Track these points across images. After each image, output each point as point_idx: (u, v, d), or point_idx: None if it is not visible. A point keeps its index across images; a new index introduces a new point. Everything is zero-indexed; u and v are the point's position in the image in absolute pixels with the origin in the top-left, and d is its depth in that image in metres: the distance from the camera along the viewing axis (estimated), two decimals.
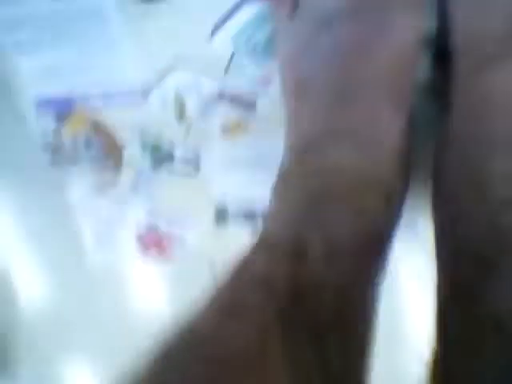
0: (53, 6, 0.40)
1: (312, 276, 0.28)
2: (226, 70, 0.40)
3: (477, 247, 0.28)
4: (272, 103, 0.40)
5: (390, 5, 0.31)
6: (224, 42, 0.38)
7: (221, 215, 0.50)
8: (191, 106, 0.43)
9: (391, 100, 0.32)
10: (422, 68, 0.35)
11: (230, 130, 0.43)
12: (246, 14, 0.37)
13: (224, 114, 0.42)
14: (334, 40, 0.32)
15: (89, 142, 0.48)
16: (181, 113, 0.43)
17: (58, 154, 0.50)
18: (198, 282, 0.56)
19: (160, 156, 0.47)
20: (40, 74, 0.44)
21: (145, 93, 0.43)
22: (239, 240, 0.50)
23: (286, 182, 0.34)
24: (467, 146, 0.31)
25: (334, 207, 0.31)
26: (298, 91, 0.34)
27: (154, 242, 0.55)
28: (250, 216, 0.49)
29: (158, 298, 0.63)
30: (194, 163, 0.46)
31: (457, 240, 0.30)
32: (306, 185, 0.32)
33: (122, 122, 0.45)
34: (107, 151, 0.48)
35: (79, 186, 0.52)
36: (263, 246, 0.30)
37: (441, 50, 0.34)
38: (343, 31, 0.31)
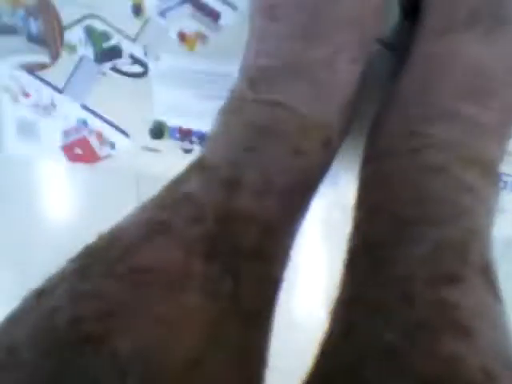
0: None
1: (242, 206, 0.27)
2: None
3: (397, 208, 0.29)
4: (238, 19, 0.38)
5: None
6: None
7: (158, 129, 0.47)
8: (152, 1, 0.39)
9: (352, 48, 0.31)
10: (389, 22, 0.35)
11: (187, 38, 0.40)
12: None
13: (185, 19, 0.39)
14: None
15: (29, 16, 0.44)
16: (138, 5, 0.40)
17: None
18: (122, 197, 0.55)
19: (106, 47, 0.43)
20: None
21: None
22: (172, 158, 0.48)
23: (233, 107, 0.33)
24: (410, 106, 0.31)
25: (275, 143, 0.30)
26: (267, 12, 0.32)
27: (80, 141, 0.51)
28: (187, 135, 0.47)
29: (75, 207, 0.61)
30: (143, 65, 0.43)
31: (379, 196, 0.30)
32: (253, 115, 0.31)
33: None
34: (48, 30, 0.44)
35: (10, 60, 0.47)
36: (200, 167, 0.30)
37: (412, 4, 0.34)
38: None
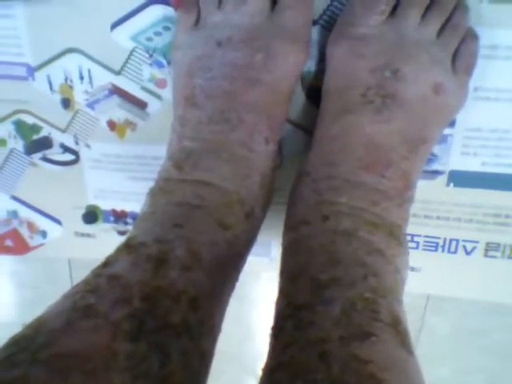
0: None
1: (169, 282, 0.28)
2: (124, 66, 0.40)
3: (313, 272, 0.30)
4: (163, 107, 0.41)
5: (279, 37, 0.34)
6: (124, 37, 0.38)
7: (91, 213, 0.48)
8: (81, 94, 0.41)
9: (267, 127, 0.35)
10: (297, 101, 0.39)
11: (117, 126, 0.42)
12: (151, 14, 0.37)
13: (114, 109, 0.42)
14: (227, 61, 0.34)
15: None
16: (67, 99, 0.42)
17: None
18: (55, 286, 0.53)
19: (36, 139, 0.44)
20: None
21: (32, 69, 0.41)
22: (107, 242, 0.49)
23: (160, 187, 0.35)
24: (319, 179, 0.34)
25: (201, 219, 0.32)
26: (188, 101, 0.35)
27: (10, 233, 0.51)
28: (122, 217, 0.48)
29: (7, 302, 0.58)
30: (74, 153, 0.44)
31: (298, 262, 0.32)
32: (179, 194, 0.34)
33: (1, 95, 0.42)
34: None
35: None
36: (127, 246, 0.31)
37: (314, 89, 0.38)
38: (236, 54, 0.34)
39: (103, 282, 0.28)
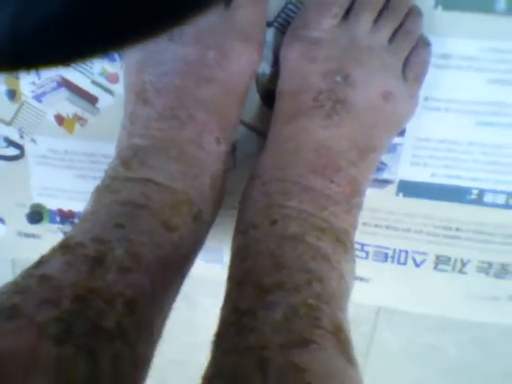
0: None
1: (105, 284, 0.27)
2: None
3: (258, 277, 0.30)
4: (115, 103, 0.40)
5: (232, 36, 0.33)
6: None
7: (36, 213, 0.46)
8: (27, 86, 0.40)
9: (219, 127, 0.34)
10: (251, 103, 0.38)
11: (66, 121, 0.41)
12: None
13: (63, 103, 0.40)
14: (179, 57, 0.33)
15: None
16: (13, 90, 0.40)
17: None
18: None
19: None
20: None
21: None
22: (52, 243, 0.47)
23: (105, 185, 0.34)
24: (269, 182, 0.34)
25: (145, 219, 0.31)
26: (138, 97, 0.34)
27: None
28: (69, 217, 0.46)
29: None
30: (18, 147, 0.43)
31: (245, 267, 0.32)
32: (124, 192, 0.32)
33: None
34: None
35: None
36: (62, 246, 0.29)
37: (268, 92, 0.38)
38: (188, 51, 0.33)
39: (33, 282, 0.26)
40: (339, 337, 0.26)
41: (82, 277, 0.27)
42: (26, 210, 0.46)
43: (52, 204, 0.45)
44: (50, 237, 0.47)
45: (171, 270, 0.32)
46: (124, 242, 0.29)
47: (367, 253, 0.43)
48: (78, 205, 0.45)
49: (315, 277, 0.29)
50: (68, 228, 0.47)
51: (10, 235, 0.47)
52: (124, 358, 0.26)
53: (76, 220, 0.46)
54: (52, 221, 0.46)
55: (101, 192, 0.34)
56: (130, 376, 0.27)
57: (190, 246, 0.34)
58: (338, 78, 0.32)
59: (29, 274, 0.28)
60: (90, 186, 0.43)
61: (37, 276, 0.27)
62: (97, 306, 0.26)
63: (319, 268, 0.30)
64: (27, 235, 0.48)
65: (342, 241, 0.33)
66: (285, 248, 0.31)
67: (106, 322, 0.25)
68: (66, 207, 0.45)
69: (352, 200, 0.34)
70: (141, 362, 0.28)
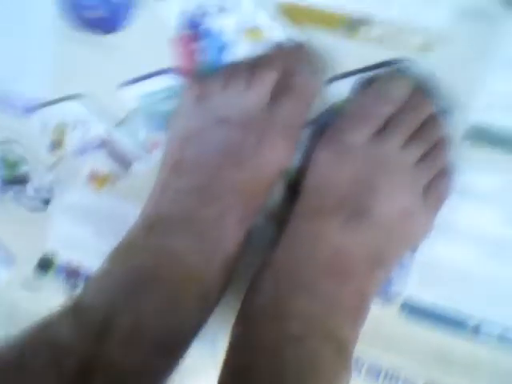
0: None
1: (107, 357, 0.27)
2: (122, 122, 0.41)
3: (254, 376, 0.29)
4: (148, 169, 0.42)
5: (273, 129, 0.35)
6: (132, 96, 0.40)
7: (44, 264, 0.46)
8: (71, 140, 0.42)
9: (241, 211, 0.35)
10: (275, 194, 0.39)
11: (97, 177, 0.43)
12: (163, 81, 0.39)
13: (100, 161, 0.42)
14: (221, 138, 0.35)
15: None
16: (56, 143, 0.42)
17: None
18: None
19: (14, 176, 0.44)
20: None
21: (35, 106, 0.42)
22: (51, 298, 0.46)
23: (122, 250, 0.34)
24: (281, 277, 0.34)
25: (154, 290, 0.31)
26: (174, 168, 0.36)
27: None
28: (74, 275, 0.46)
29: None
30: (45, 198, 0.44)
31: (241, 360, 0.31)
32: (139, 259, 0.33)
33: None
34: None
35: None
36: (72, 308, 0.30)
37: (293, 186, 0.39)
38: (231, 134, 0.35)
39: (40, 344, 0.27)
40: None
41: (87, 345, 0.27)
42: (37, 259, 0.46)
43: (63, 257, 0.45)
44: (51, 291, 0.47)
45: (173, 347, 0.31)
46: (130, 310, 0.29)
47: (361, 368, 0.41)
48: (89, 261, 0.45)
49: None
50: (70, 287, 0.46)
51: (14, 282, 0.47)
52: None
53: (79, 280, 0.46)
54: (57, 274, 0.46)
55: (118, 253, 0.34)
56: None
57: (193, 324, 0.33)
58: (364, 187, 0.33)
59: (36, 335, 0.28)
60: (106, 244, 0.44)
61: (43, 338, 0.27)
62: (97, 376, 0.26)
63: (316, 378, 0.29)
64: (30, 285, 0.47)
65: (343, 352, 0.32)
66: (286, 348, 0.30)
67: None
68: (75, 263, 0.45)
69: (358, 311, 0.33)
70: None
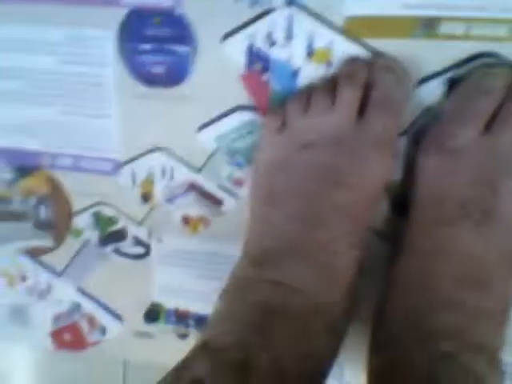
0: (58, 66, 0.41)
1: None
2: (204, 164, 0.41)
3: None
4: (238, 205, 0.41)
5: (366, 143, 0.34)
6: (209, 138, 0.40)
7: (154, 311, 0.47)
8: (160, 190, 0.43)
9: (350, 232, 0.34)
10: (379, 210, 0.38)
11: (191, 221, 0.43)
12: (237, 119, 0.39)
13: (190, 205, 0.43)
14: (311, 163, 0.34)
15: (40, 203, 0.47)
16: (147, 194, 0.43)
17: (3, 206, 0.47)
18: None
19: (112, 231, 0.45)
20: (17, 124, 0.44)
21: (119, 165, 0.43)
22: (165, 344, 0.47)
23: (238, 287, 0.34)
24: (411, 295, 0.32)
25: (283, 326, 0.30)
26: (268, 200, 0.35)
27: (70, 327, 0.50)
28: (184, 318, 0.46)
29: None
30: (145, 246, 0.45)
31: None
32: (259, 295, 0.32)
33: (85, 188, 0.44)
34: (57, 216, 0.46)
35: (14, 246, 0.49)
36: (205, 349, 0.29)
37: (399, 199, 0.37)
38: (321, 157, 0.34)
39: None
40: None
41: (231, 382, 0.27)
42: (145, 309, 0.47)
43: (170, 303, 0.46)
44: (163, 338, 0.47)
45: (312, 379, 0.31)
46: (265, 347, 0.29)
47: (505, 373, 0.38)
48: (195, 305, 0.46)
49: None
50: (182, 329, 0.47)
51: (125, 334, 0.48)
52: None
53: (191, 321, 0.46)
54: (168, 320, 0.47)
55: (231, 293, 0.34)
56: None
57: (327, 355, 0.33)
58: (485, 188, 0.31)
59: (178, 375, 0.28)
60: (208, 286, 0.44)
61: (188, 379, 0.27)
62: None
63: None
64: (142, 334, 0.48)
65: (495, 361, 0.30)
66: (438, 368, 0.29)
67: None
68: (182, 307, 0.46)
69: (502, 315, 0.31)
70: None
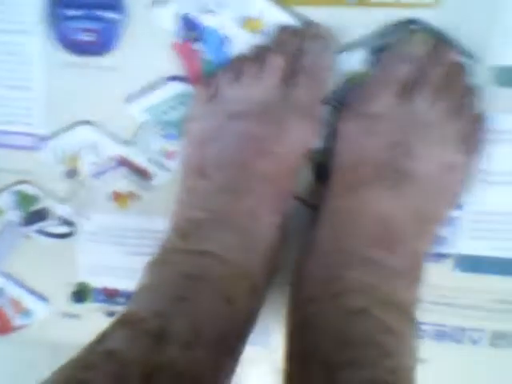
0: None
1: (169, 360, 0.27)
2: (134, 137, 0.40)
3: (325, 355, 0.29)
4: (169, 179, 0.41)
5: (290, 112, 0.35)
6: (140, 110, 0.39)
7: (81, 291, 0.46)
8: (86, 166, 0.42)
9: (273, 199, 0.35)
10: (303, 177, 0.39)
11: (120, 197, 0.42)
12: (168, 90, 0.39)
13: (119, 180, 0.42)
14: (239, 133, 0.35)
15: None
16: (72, 170, 0.42)
17: None
18: (35, 369, 0.49)
19: (35, 210, 0.43)
20: None
21: (42, 140, 0.41)
22: (93, 323, 0.46)
23: (163, 258, 0.34)
24: (327, 254, 0.34)
25: (205, 292, 0.31)
26: (198, 172, 0.36)
27: None
28: (113, 296, 0.46)
29: None
30: (70, 225, 0.43)
31: (307, 345, 0.31)
32: (183, 264, 0.33)
33: (5, 164, 0.42)
34: None
35: None
36: (124, 321, 0.29)
37: (323, 167, 0.39)
38: (248, 126, 0.35)
39: (99, 358, 0.27)
40: None
41: (147, 352, 0.27)
42: (72, 289, 0.46)
43: (98, 282, 0.45)
44: (90, 317, 0.46)
45: (230, 345, 0.31)
46: (185, 315, 0.29)
47: (425, 331, 0.41)
48: (124, 282, 0.45)
49: (386, 352, 0.28)
50: (110, 307, 0.46)
51: (52, 316, 0.47)
52: None
53: (120, 299, 0.45)
54: (96, 299, 0.46)
55: (157, 265, 0.34)
56: None
57: (247, 320, 0.33)
58: (400, 151, 0.33)
59: (93, 348, 0.28)
60: (137, 262, 0.43)
61: (102, 351, 0.27)
62: (163, 382, 0.26)
63: (389, 343, 0.29)
64: (69, 315, 0.47)
65: (407, 315, 0.32)
66: (351, 323, 0.30)
67: None
68: (111, 285, 0.45)
69: (414, 273, 0.33)
70: None
